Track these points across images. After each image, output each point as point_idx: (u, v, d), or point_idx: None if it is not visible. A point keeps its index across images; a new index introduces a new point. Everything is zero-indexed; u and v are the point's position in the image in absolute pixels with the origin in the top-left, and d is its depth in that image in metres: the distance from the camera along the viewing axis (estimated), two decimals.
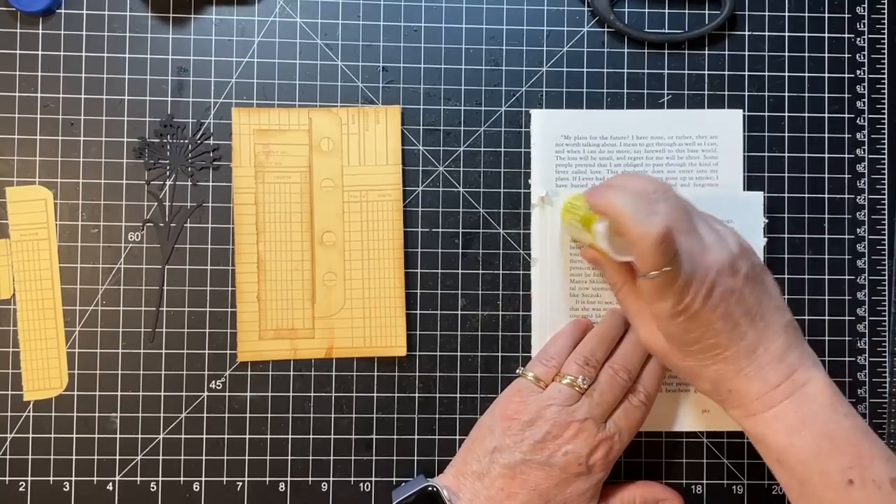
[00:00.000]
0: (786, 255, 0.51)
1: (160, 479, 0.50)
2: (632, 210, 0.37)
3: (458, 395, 0.51)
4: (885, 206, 0.52)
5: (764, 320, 0.41)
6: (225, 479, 0.50)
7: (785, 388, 0.40)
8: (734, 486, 0.51)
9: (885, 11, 0.52)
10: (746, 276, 0.40)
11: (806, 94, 0.52)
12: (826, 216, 0.52)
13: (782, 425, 0.40)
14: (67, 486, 0.49)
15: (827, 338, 0.51)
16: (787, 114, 0.52)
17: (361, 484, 0.50)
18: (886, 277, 0.52)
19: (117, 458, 0.50)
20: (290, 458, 0.50)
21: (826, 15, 0.52)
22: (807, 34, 0.52)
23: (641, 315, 0.43)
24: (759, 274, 0.42)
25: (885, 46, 0.52)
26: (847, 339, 0.51)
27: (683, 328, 0.40)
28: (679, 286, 0.38)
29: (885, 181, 0.52)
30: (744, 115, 0.51)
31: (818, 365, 0.41)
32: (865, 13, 0.52)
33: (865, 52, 0.52)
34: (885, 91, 0.52)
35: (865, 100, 0.52)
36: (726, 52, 0.52)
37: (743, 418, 0.42)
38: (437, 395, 0.51)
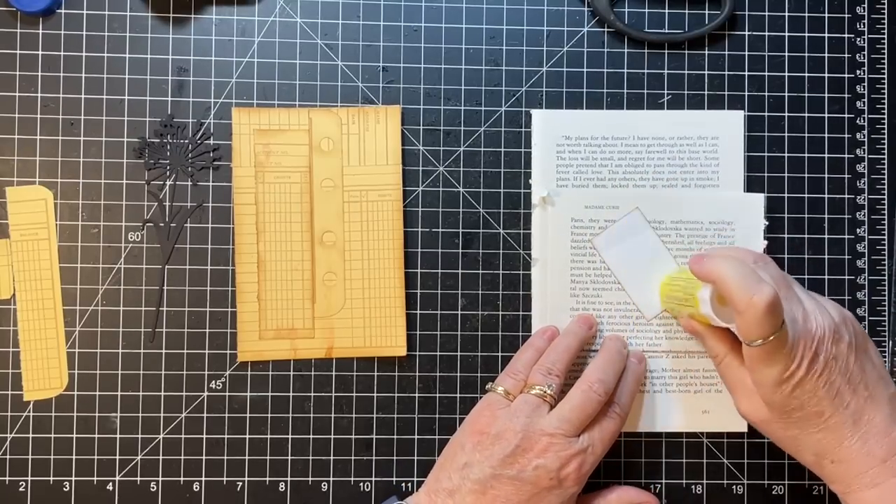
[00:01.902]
0: (786, 255, 0.51)
1: (160, 479, 0.50)
2: (739, 277, 0.38)
3: (458, 395, 0.51)
4: (885, 206, 0.52)
5: (868, 390, 0.40)
6: (225, 479, 0.50)
7: (891, 466, 0.39)
8: (734, 486, 0.51)
9: (885, 11, 0.52)
10: (849, 344, 0.40)
11: (806, 94, 0.52)
12: (826, 216, 0.52)
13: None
14: (67, 486, 0.49)
15: None
16: (787, 114, 0.52)
17: (361, 484, 0.50)
18: (886, 277, 0.52)
19: (117, 458, 0.50)
20: (290, 458, 0.50)
21: (826, 15, 0.52)
22: (807, 34, 0.52)
23: (742, 385, 0.43)
24: (861, 342, 0.42)
25: (885, 46, 0.52)
26: None
27: (787, 396, 0.40)
28: (785, 353, 0.38)
29: (885, 181, 0.52)
30: (744, 116, 0.51)
31: None
32: (865, 13, 0.52)
33: (865, 52, 0.52)
34: (885, 91, 0.52)
35: (865, 100, 0.52)
36: (726, 52, 0.52)
37: (845, 494, 0.41)
38: (437, 395, 0.51)
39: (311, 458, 0.50)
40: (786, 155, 0.52)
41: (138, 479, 0.50)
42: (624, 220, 0.50)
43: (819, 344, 0.39)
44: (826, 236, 0.52)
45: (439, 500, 0.43)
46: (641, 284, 0.50)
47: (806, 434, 0.41)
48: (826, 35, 0.52)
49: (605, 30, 0.51)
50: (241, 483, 0.50)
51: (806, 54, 0.52)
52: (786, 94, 0.52)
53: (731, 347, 0.43)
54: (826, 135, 0.52)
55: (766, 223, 0.50)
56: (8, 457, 0.49)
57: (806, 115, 0.52)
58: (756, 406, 0.42)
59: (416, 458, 0.50)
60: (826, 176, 0.52)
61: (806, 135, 0.52)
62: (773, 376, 0.39)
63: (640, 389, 0.50)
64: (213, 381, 0.50)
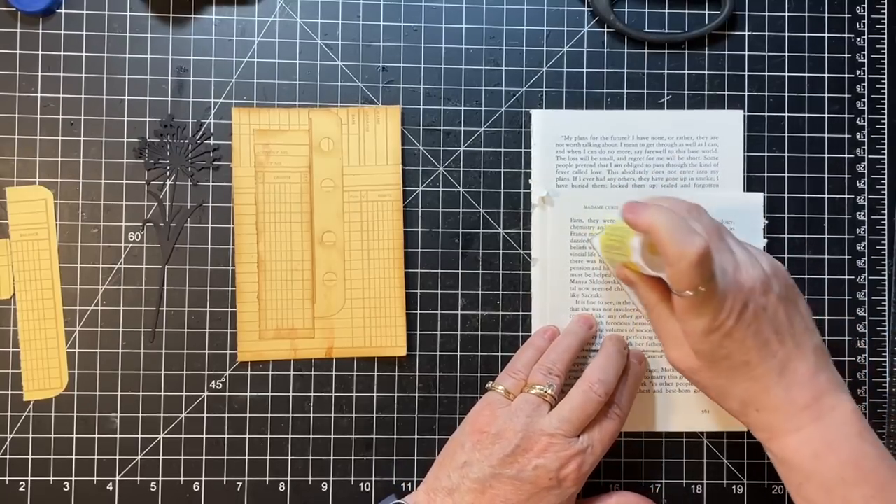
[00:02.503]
0: (786, 255, 0.51)
1: (160, 479, 0.50)
2: (671, 228, 0.37)
3: (458, 395, 0.51)
4: (885, 206, 0.52)
5: (794, 340, 0.41)
6: (225, 479, 0.50)
7: (812, 412, 0.40)
8: (734, 486, 0.51)
9: (885, 11, 0.52)
10: (779, 296, 0.41)
11: (806, 94, 0.52)
12: (826, 216, 0.52)
13: (808, 449, 0.40)
14: (67, 486, 0.49)
15: (827, 338, 0.51)
16: (787, 114, 0.52)
17: (361, 484, 0.50)
18: (886, 277, 0.52)
19: (117, 458, 0.50)
20: (290, 458, 0.50)
21: (826, 15, 0.52)
22: (807, 34, 0.52)
23: (673, 335, 0.43)
24: (791, 294, 0.42)
25: (885, 46, 0.52)
26: (847, 339, 0.51)
27: (716, 345, 0.40)
28: (714, 304, 0.38)
29: (885, 181, 0.52)
30: (744, 116, 0.51)
31: (846, 391, 0.41)
32: (865, 13, 0.52)
33: (865, 52, 0.52)
34: (885, 91, 0.52)
35: (865, 100, 0.52)
36: (726, 52, 0.52)
37: (769, 440, 0.42)
38: (437, 395, 0.51)
39: (311, 458, 0.50)
40: (786, 155, 0.52)
41: (138, 479, 0.50)
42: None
43: (749, 295, 0.39)
44: (826, 236, 0.52)
45: (438, 499, 0.43)
46: None
47: (733, 383, 0.41)
48: (826, 35, 0.52)
49: (605, 30, 0.51)
50: (241, 483, 0.50)
51: (806, 54, 0.52)
52: (786, 94, 0.52)
53: (662, 297, 0.43)
54: (826, 135, 0.52)
55: (766, 222, 0.50)
56: (8, 457, 0.49)
57: (806, 115, 0.52)
58: (685, 354, 0.42)
59: (416, 458, 0.50)
60: (826, 176, 0.52)
61: (806, 135, 0.52)
62: (701, 326, 0.39)
63: (640, 389, 0.50)
64: (213, 381, 0.50)
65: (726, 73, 0.52)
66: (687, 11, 0.52)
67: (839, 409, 0.40)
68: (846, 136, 0.52)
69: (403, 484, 0.50)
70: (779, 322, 0.40)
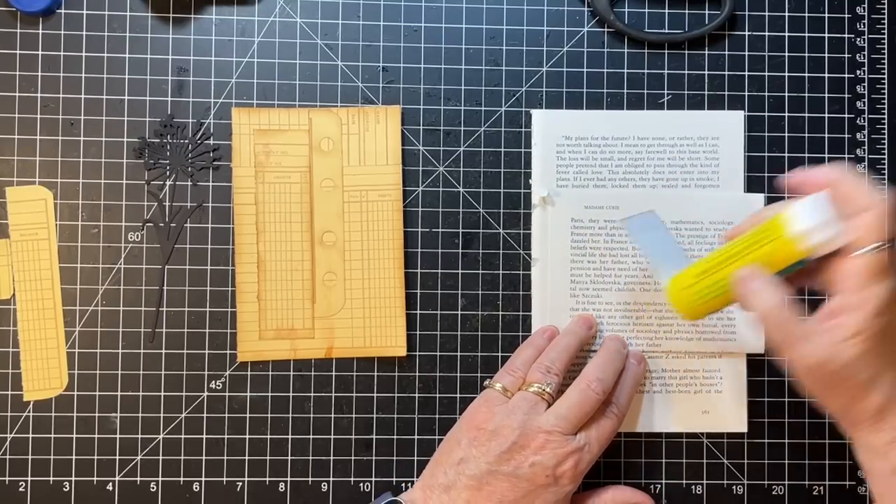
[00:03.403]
0: None
1: (160, 479, 0.50)
2: (853, 178, 0.36)
3: (458, 395, 0.51)
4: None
5: None
6: (225, 479, 0.50)
7: None
8: (734, 486, 0.51)
9: (885, 11, 0.52)
10: None
11: (806, 94, 0.52)
12: None
13: None
14: (67, 486, 0.49)
15: None
16: (787, 114, 0.52)
17: (361, 484, 0.50)
18: None
19: (117, 458, 0.50)
20: (290, 458, 0.50)
21: (826, 15, 0.52)
22: (807, 34, 0.52)
23: (801, 332, 0.37)
24: None
25: (885, 46, 0.52)
26: None
27: (892, 318, 0.35)
28: None
29: (886, 181, 0.52)
30: (744, 116, 0.51)
31: None
32: (865, 13, 0.52)
33: (865, 52, 0.52)
34: (885, 91, 0.52)
35: (865, 100, 0.52)
36: (726, 52, 0.52)
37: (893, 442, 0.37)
38: (437, 395, 0.51)
39: (311, 458, 0.50)
40: (786, 155, 0.52)
41: (138, 479, 0.50)
42: (642, 217, 0.48)
43: None
44: None
45: (434, 496, 0.43)
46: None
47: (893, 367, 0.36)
48: (826, 35, 0.52)
49: (605, 30, 0.51)
50: (241, 483, 0.50)
51: (806, 54, 0.52)
52: (786, 94, 0.52)
53: (785, 295, 0.38)
54: (826, 135, 0.52)
55: None
56: (8, 457, 0.49)
57: (806, 115, 0.52)
58: (825, 346, 0.36)
59: (416, 458, 0.50)
60: None
61: (806, 135, 0.52)
62: (881, 294, 0.35)
63: (639, 390, 0.50)
64: (213, 381, 0.50)
65: (726, 73, 0.52)
66: (687, 11, 0.52)
67: None
68: (846, 136, 0.52)
69: (403, 484, 0.50)
70: None
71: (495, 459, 0.42)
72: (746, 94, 0.52)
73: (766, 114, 0.52)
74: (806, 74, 0.52)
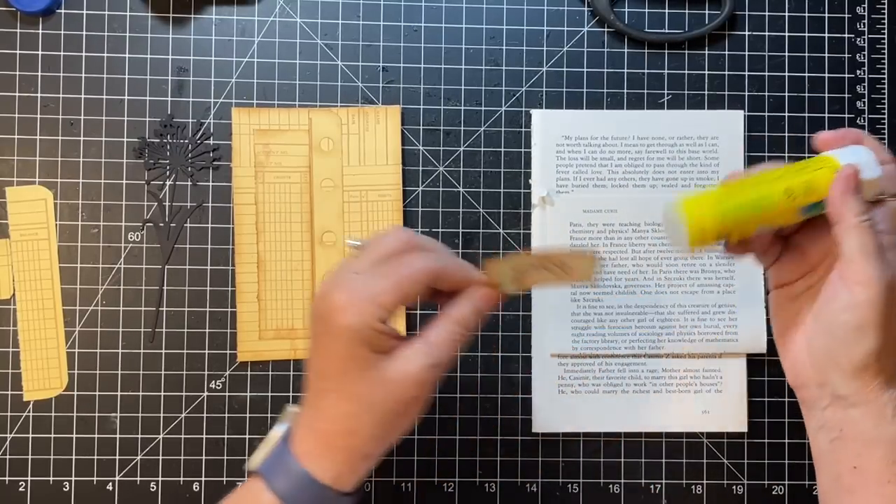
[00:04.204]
0: None
1: (160, 479, 0.50)
2: (871, 138, 0.37)
3: (458, 396, 0.51)
4: None
5: None
6: (225, 479, 0.50)
7: None
8: (734, 486, 0.51)
9: (885, 11, 0.52)
10: None
11: (806, 94, 0.52)
12: None
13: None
14: (67, 486, 0.49)
15: None
16: (787, 114, 0.52)
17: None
18: None
19: (117, 458, 0.50)
20: None
21: (826, 15, 0.52)
22: (807, 34, 0.52)
23: (836, 287, 0.36)
24: None
25: (885, 46, 0.52)
26: None
27: None
28: None
29: None
30: (744, 116, 0.51)
31: None
32: (865, 13, 0.52)
33: (865, 52, 0.52)
34: (885, 91, 0.52)
35: (865, 100, 0.52)
36: (726, 52, 0.52)
37: (854, 405, 0.36)
38: (437, 395, 0.51)
39: None
40: (786, 155, 0.52)
41: (138, 479, 0.50)
42: None
43: None
44: None
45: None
46: None
47: None
48: (826, 35, 0.52)
49: (605, 30, 0.51)
50: (240, 483, 0.50)
51: (806, 54, 0.52)
52: (786, 94, 0.52)
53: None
54: None
55: None
56: (8, 457, 0.49)
57: (806, 115, 0.52)
58: (853, 300, 0.35)
59: (415, 458, 0.50)
60: None
61: (806, 135, 0.52)
62: None
63: (640, 390, 0.49)
64: (213, 381, 0.50)
65: (726, 73, 0.52)
66: (687, 11, 0.52)
67: None
68: None
69: (403, 484, 0.50)
70: None
71: None
72: (746, 94, 0.52)
73: (766, 114, 0.52)
74: (806, 74, 0.52)
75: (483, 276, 0.39)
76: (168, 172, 0.50)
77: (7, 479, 0.49)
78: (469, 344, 0.51)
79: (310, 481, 0.36)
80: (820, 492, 0.38)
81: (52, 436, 0.49)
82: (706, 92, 0.52)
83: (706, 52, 0.52)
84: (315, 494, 0.37)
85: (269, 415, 0.50)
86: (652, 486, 0.51)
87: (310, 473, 0.36)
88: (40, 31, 0.50)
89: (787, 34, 0.52)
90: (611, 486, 0.51)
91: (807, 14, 0.52)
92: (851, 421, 0.37)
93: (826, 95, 0.52)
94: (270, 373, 0.50)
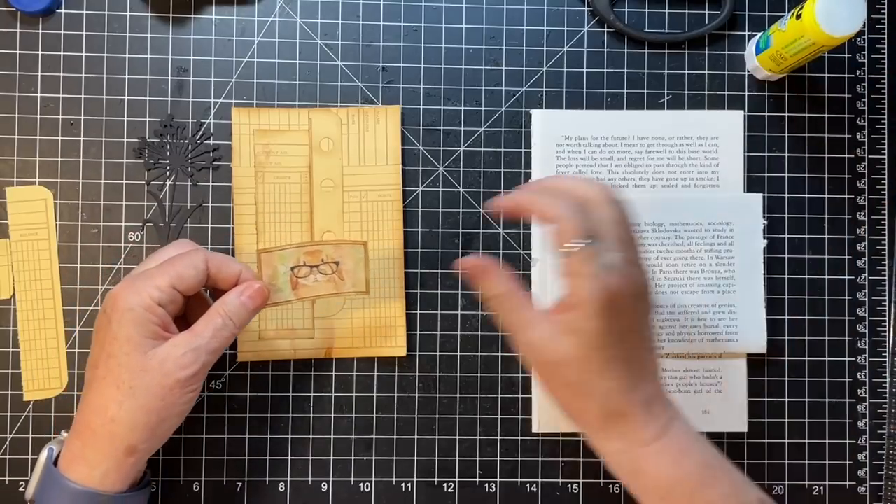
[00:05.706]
0: (786, 255, 0.51)
1: (160, 479, 0.50)
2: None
3: (458, 395, 0.51)
4: (885, 206, 0.52)
5: (650, 342, 0.39)
6: (225, 479, 0.50)
7: (665, 421, 0.38)
8: None
9: (885, 11, 0.52)
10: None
11: (806, 94, 0.52)
12: (826, 216, 0.52)
13: (669, 457, 0.38)
14: None
15: (827, 338, 0.51)
16: (787, 114, 0.52)
17: (361, 484, 0.50)
18: (886, 277, 0.52)
19: None
20: (289, 458, 0.50)
21: None
22: None
23: (532, 318, 0.39)
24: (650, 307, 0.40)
25: (885, 46, 0.52)
26: (847, 339, 0.51)
27: (613, 320, 0.36)
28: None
29: (885, 181, 0.52)
30: (744, 116, 0.51)
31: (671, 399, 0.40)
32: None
33: (865, 53, 0.52)
34: (885, 91, 0.52)
35: (865, 100, 0.52)
36: (726, 52, 0.52)
37: (625, 452, 0.38)
38: (437, 395, 0.51)
39: (311, 458, 0.50)
40: (786, 155, 0.52)
41: None
42: None
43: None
44: (826, 236, 0.52)
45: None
46: None
47: (602, 378, 0.37)
48: None
49: (605, 30, 0.51)
50: (240, 483, 0.50)
51: None
52: (786, 94, 0.52)
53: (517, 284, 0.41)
54: (826, 135, 0.52)
55: (765, 223, 0.50)
56: (8, 457, 0.49)
57: (806, 115, 0.52)
58: (551, 338, 0.38)
59: (415, 458, 0.50)
60: (826, 176, 0.52)
61: (806, 135, 0.52)
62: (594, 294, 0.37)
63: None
64: (213, 381, 0.50)
65: (726, 73, 0.52)
66: (687, 11, 0.52)
67: (678, 416, 0.39)
68: (846, 136, 0.52)
69: (403, 484, 0.50)
70: (647, 324, 0.39)
71: None
72: (746, 94, 0.52)
73: (766, 114, 0.52)
74: (806, 74, 0.52)
75: (252, 273, 0.43)
76: (168, 172, 0.50)
77: (7, 479, 0.49)
78: (469, 344, 0.51)
79: (77, 492, 0.39)
80: None
81: (52, 436, 0.49)
82: (706, 92, 0.52)
83: (706, 52, 0.52)
84: (88, 503, 0.40)
85: (269, 415, 0.50)
86: None
87: (76, 484, 0.39)
88: (40, 31, 0.50)
89: None
90: (611, 486, 0.51)
91: None
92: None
93: (826, 95, 0.52)
94: (270, 373, 0.50)
